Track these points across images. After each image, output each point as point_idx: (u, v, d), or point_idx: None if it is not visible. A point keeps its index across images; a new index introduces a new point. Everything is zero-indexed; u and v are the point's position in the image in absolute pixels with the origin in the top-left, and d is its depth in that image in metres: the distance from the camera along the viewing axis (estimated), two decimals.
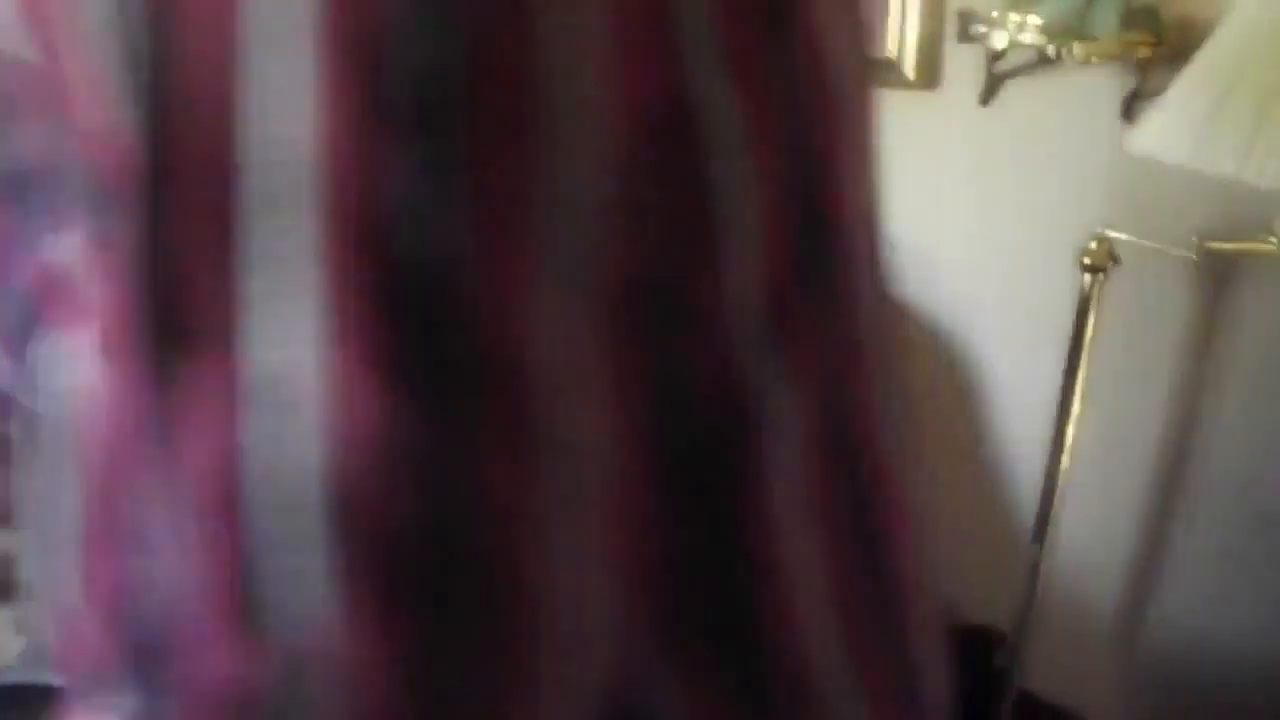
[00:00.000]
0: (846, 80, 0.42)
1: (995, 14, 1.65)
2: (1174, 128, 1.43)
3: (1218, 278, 1.70)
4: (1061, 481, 1.68)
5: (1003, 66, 1.73)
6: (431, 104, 0.32)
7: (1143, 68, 1.62)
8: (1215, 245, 1.58)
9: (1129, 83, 1.65)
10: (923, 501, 0.49)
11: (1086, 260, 1.57)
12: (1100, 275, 1.57)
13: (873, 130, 0.47)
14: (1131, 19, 1.58)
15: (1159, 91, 1.50)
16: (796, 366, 0.40)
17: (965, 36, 1.75)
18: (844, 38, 0.42)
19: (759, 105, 0.38)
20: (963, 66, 1.78)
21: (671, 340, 0.37)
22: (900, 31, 1.79)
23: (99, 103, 0.34)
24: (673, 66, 0.35)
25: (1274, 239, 1.47)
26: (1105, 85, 1.67)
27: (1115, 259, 1.57)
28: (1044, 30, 1.61)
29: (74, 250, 0.39)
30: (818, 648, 0.42)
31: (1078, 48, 1.58)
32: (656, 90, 0.35)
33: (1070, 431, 1.65)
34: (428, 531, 0.34)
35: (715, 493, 0.39)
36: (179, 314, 0.34)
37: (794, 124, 0.39)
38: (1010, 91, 1.75)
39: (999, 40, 1.66)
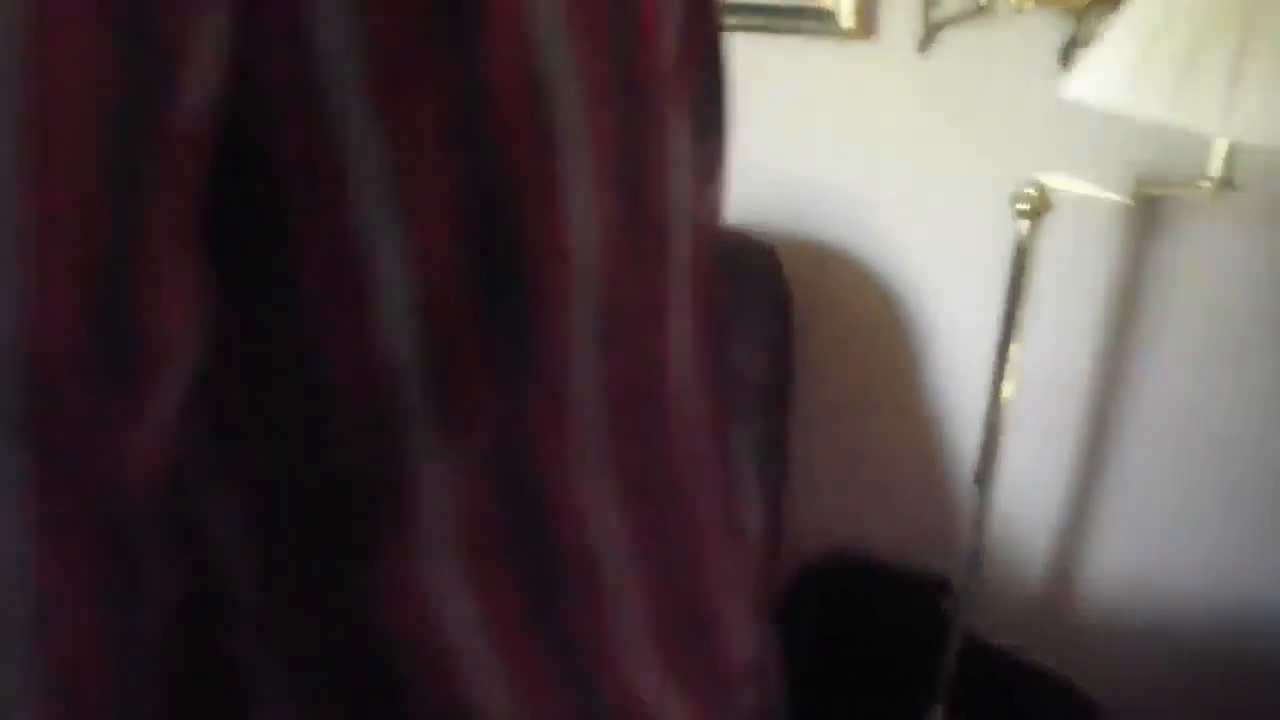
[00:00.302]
0: (579, 68, 0.36)
1: None
2: (1105, 73, 1.44)
3: (1153, 220, 1.72)
4: (1003, 424, 1.70)
5: (939, 14, 1.73)
6: None
7: (1080, 14, 1.63)
8: (1149, 188, 1.60)
9: (1068, 29, 1.66)
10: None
11: (1023, 206, 1.58)
12: (1036, 220, 1.59)
13: (666, 145, 0.41)
14: None
15: (1096, 37, 1.51)
16: (461, 429, 0.37)
17: None
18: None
19: (414, 137, 0.33)
20: (899, 15, 1.77)
21: (288, 423, 0.34)
22: None
23: None
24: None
25: (1207, 181, 1.49)
26: (1044, 32, 1.68)
27: (1050, 204, 1.58)
28: None
29: None
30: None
31: None
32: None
33: (1009, 374, 1.66)
34: None
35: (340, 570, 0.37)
36: None
37: (478, 145, 0.34)
38: (948, 40, 1.75)
39: None
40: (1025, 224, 1.59)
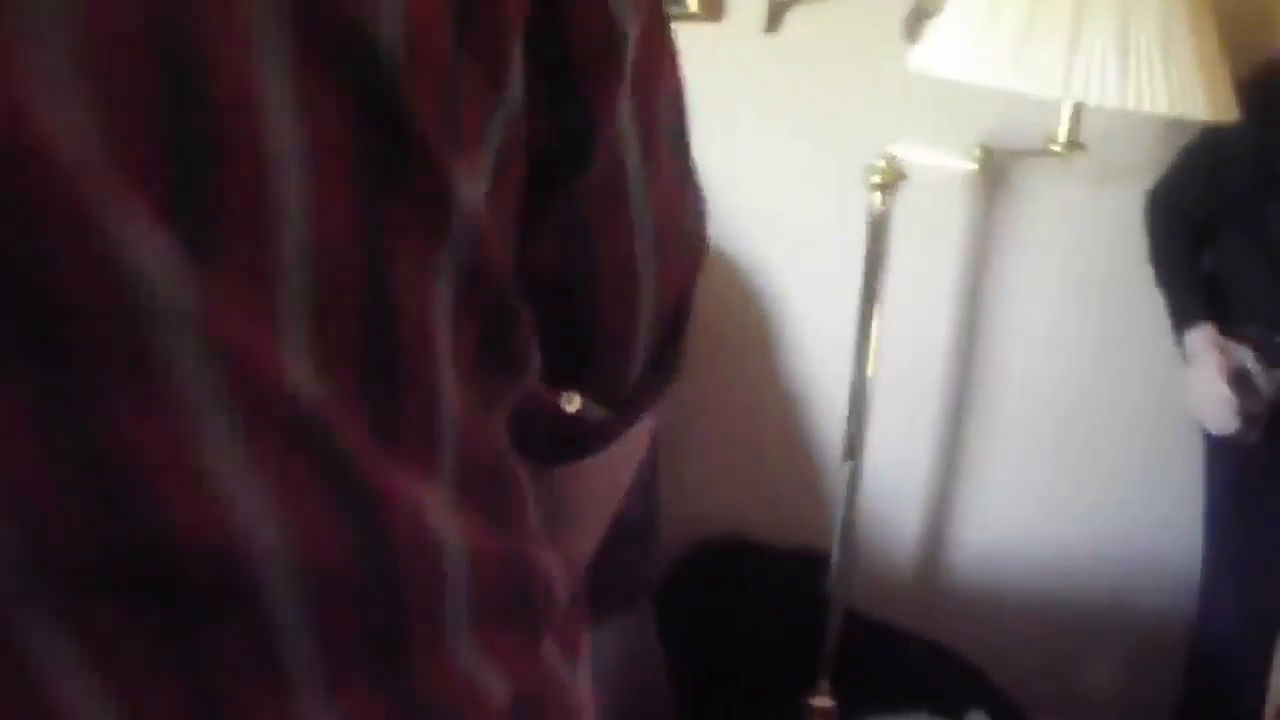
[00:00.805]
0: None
1: None
2: (949, 42, 1.46)
3: (1004, 187, 1.75)
4: (867, 400, 1.70)
5: None
6: None
7: None
8: (998, 155, 1.62)
9: (911, 2, 1.68)
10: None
11: (875, 179, 1.59)
12: (888, 192, 1.59)
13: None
14: None
15: (939, 9, 1.53)
16: None
17: None
18: None
19: None
20: None
21: None
22: None
23: None
24: None
25: (1056, 145, 1.51)
26: (889, 6, 1.69)
27: (902, 175, 1.59)
28: None
29: None
30: None
31: None
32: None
33: (871, 348, 1.67)
34: None
35: None
36: None
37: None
38: (794, 18, 1.76)
39: None
40: (878, 196, 1.60)
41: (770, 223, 1.88)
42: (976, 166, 1.60)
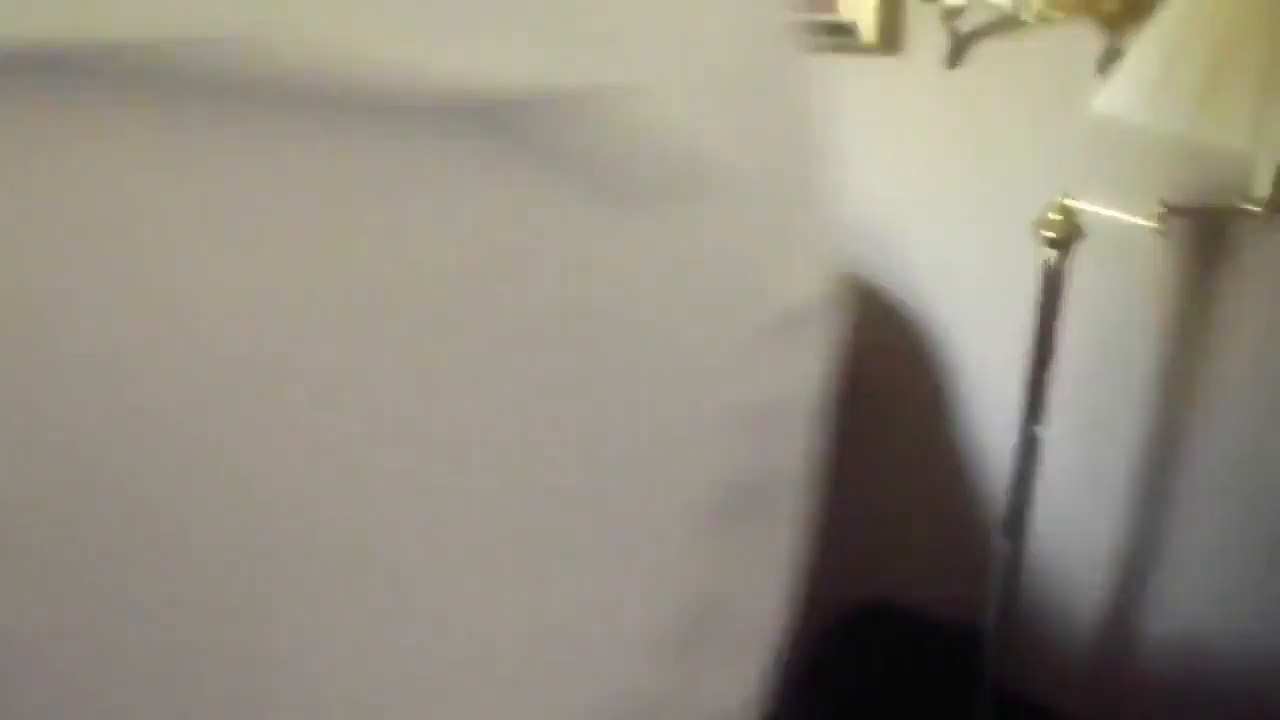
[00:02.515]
0: None
1: None
2: (1130, 86, 1.33)
3: (1199, 249, 1.58)
4: (1036, 467, 1.57)
5: (965, 26, 1.61)
6: None
7: (1113, 24, 1.50)
8: (1190, 213, 1.47)
9: (1104, 41, 1.54)
10: None
11: (1049, 232, 1.46)
12: (1064, 246, 1.46)
13: None
14: None
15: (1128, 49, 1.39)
16: None
17: None
18: None
19: None
20: (925, 28, 1.66)
21: None
22: None
23: None
24: None
25: (1254, 203, 1.36)
26: (1079, 44, 1.55)
27: (1080, 230, 1.46)
28: None
29: None
30: None
31: (1037, 2, 1.47)
32: None
33: (1042, 413, 1.54)
34: None
35: None
36: None
37: None
38: (978, 53, 1.64)
39: None
40: (1052, 251, 1.47)
41: (941, 270, 1.76)
42: (1161, 224, 1.45)
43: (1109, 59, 1.54)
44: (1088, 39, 1.54)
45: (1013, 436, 1.57)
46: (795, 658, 1.74)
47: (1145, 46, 1.31)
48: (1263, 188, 1.34)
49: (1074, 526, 1.78)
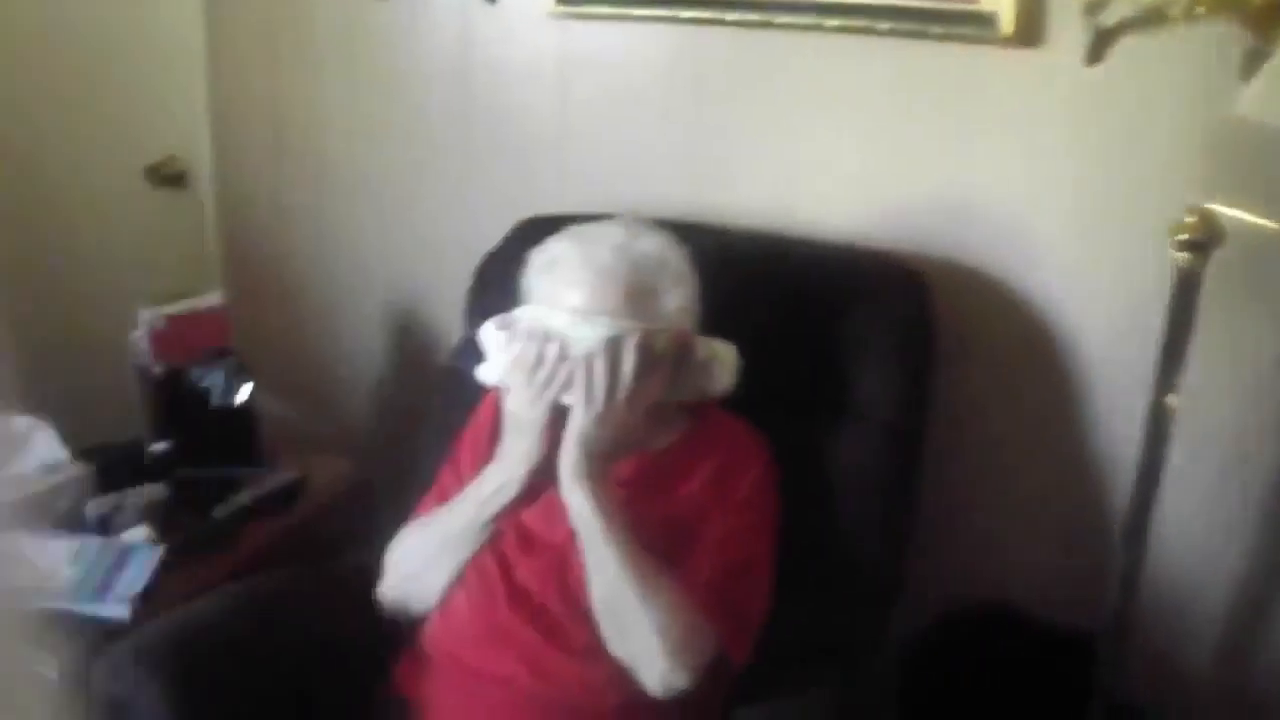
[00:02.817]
0: None
1: None
2: (1275, 90, 1.28)
3: None
4: (1159, 478, 1.52)
5: (1108, 20, 1.57)
6: None
7: (1260, 22, 1.44)
8: None
9: (1248, 39, 1.48)
10: None
11: (1182, 236, 1.41)
12: (1199, 252, 1.42)
13: None
14: None
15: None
16: None
17: None
18: None
19: None
20: (1066, 21, 1.62)
21: None
22: None
23: None
24: None
25: None
26: (1224, 42, 1.50)
27: (1219, 235, 1.41)
28: None
29: None
30: None
31: None
32: None
33: (1168, 424, 1.50)
34: None
35: None
36: None
37: None
38: (1121, 48, 1.58)
39: None
40: (1185, 256, 1.42)
41: (1074, 270, 1.72)
42: None
43: (1253, 61, 1.48)
44: (1231, 40, 1.49)
45: (1137, 444, 1.53)
46: (910, 651, 1.73)
47: None
48: None
49: (1196, 541, 1.73)
